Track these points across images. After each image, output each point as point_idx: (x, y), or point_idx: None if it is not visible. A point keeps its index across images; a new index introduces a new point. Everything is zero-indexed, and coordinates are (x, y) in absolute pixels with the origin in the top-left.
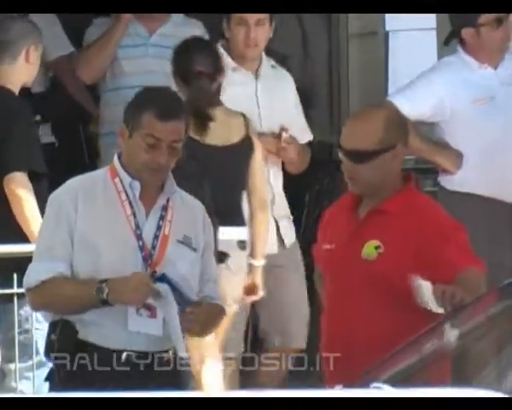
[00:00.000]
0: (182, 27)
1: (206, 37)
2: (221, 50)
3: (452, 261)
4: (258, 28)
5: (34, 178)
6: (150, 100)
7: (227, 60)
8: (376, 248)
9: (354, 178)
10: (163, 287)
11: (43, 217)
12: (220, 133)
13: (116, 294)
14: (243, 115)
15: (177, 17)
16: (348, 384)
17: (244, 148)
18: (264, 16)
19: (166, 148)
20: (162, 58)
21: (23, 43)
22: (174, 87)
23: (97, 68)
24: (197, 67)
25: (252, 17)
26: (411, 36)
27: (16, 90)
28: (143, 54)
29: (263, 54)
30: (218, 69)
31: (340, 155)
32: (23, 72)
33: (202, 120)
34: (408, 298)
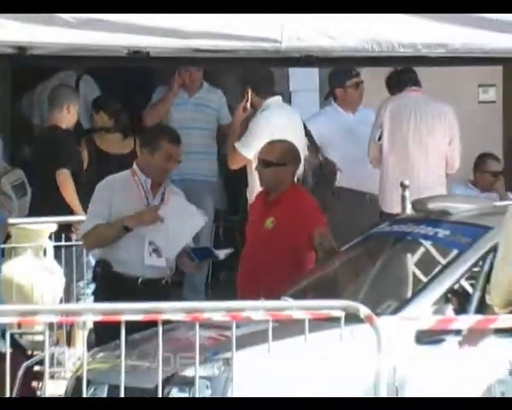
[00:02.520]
0: (209, 93)
1: (224, 98)
2: None
3: (311, 225)
4: None
5: (76, 175)
6: (164, 133)
7: None
8: (272, 222)
9: (261, 178)
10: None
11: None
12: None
13: (131, 220)
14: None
15: (206, 85)
16: (266, 298)
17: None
18: None
19: (174, 160)
20: (198, 111)
21: (65, 101)
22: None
23: (159, 117)
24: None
25: None
26: (304, 93)
27: (64, 127)
28: (185, 109)
29: None
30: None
31: (256, 162)
32: (65, 118)
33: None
34: (291, 250)
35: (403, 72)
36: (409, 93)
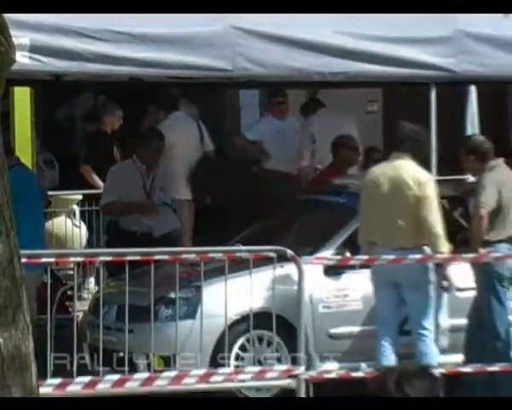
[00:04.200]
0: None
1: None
2: None
3: None
4: None
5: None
6: (155, 134)
7: None
8: None
9: (352, 160)
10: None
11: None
12: None
13: (135, 208)
14: None
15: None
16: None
17: None
18: None
19: (161, 152)
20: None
21: (108, 114)
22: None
23: (151, 124)
24: None
25: None
26: (249, 107)
27: (108, 131)
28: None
29: None
30: None
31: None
32: (109, 124)
33: None
34: None
35: (311, 101)
36: (323, 112)
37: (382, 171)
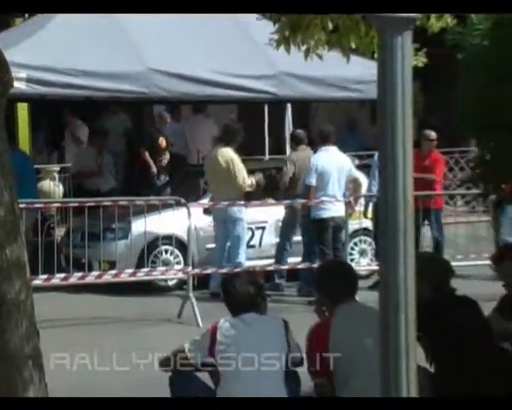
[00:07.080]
0: (119, 118)
1: (127, 119)
2: None
3: None
4: None
5: None
6: (101, 134)
7: None
8: None
9: None
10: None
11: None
12: None
13: (93, 175)
14: None
15: (121, 114)
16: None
17: None
18: None
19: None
20: (117, 126)
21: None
22: None
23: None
24: None
25: None
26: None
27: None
28: (112, 125)
29: None
30: None
31: None
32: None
33: None
34: None
35: (194, 109)
36: (197, 116)
37: (213, 153)
